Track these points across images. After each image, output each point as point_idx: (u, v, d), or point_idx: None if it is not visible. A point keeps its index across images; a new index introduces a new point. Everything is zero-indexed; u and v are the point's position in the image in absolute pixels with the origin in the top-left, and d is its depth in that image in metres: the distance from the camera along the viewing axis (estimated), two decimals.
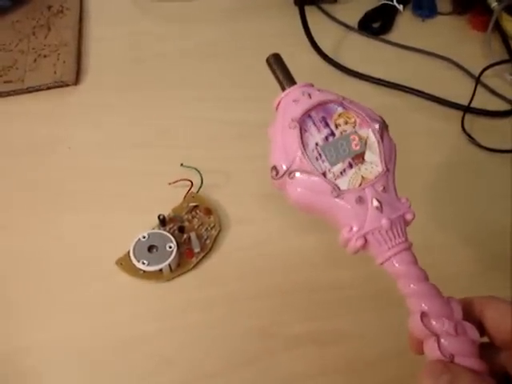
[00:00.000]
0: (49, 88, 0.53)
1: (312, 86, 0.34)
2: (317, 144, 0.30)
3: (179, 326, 0.38)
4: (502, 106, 0.53)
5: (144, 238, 0.41)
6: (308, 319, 0.39)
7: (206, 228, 0.43)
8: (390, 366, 0.37)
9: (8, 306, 0.39)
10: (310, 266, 0.41)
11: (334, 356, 0.37)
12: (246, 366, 0.37)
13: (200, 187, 0.44)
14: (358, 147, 0.31)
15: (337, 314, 0.39)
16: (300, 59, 0.55)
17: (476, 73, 0.55)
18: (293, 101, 0.32)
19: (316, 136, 0.31)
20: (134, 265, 0.40)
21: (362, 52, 0.58)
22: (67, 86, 0.54)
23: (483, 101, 0.53)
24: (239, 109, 0.51)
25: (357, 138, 0.31)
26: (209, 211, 0.43)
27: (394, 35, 0.60)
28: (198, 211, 0.44)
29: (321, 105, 0.32)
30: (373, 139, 0.31)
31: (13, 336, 0.38)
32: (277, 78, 0.35)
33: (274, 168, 0.31)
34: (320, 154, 0.30)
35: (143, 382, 0.36)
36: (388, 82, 0.54)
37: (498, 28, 0.59)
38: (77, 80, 0.54)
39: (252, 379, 0.37)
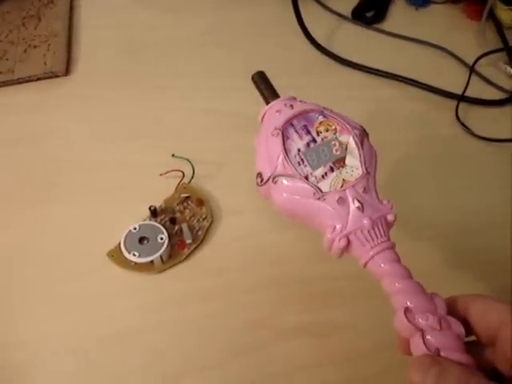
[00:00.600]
0: (39, 79, 0.54)
1: (295, 98, 0.36)
2: (299, 150, 0.32)
3: (172, 318, 0.39)
4: (496, 94, 0.55)
5: (135, 229, 0.42)
6: (302, 311, 0.40)
7: (198, 219, 0.44)
8: (383, 356, 0.38)
9: (0, 300, 0.40)
10: (303, 257, 0.43)
11: (328, 347, 0.39)
12: (240, 358, 0.38)
13: (192, 178, 0.45)
14: (338, 152, 0.32)
15: (331, 306, 0.40)
16: (293, 48, 0.57)
17: (470, 62, 0.56)
18: (276, 111, 0.34)
19: (298, 142, 0.33)
20: (125, 257, 0.41)
21: (355, 41, 0.59)
22: (57, 76, 0.55)
23: (477, 90, 0.54)
24: (233, 99, 0.52)
25: (337, 144, 0.33)
26: (201, 202, 0.44)
27: (387, 24, 0.61)
28: (189, 202, 0.44)
29: (302, 114, 0.34)
30: (353, 145, 0.33)
31: (5, 330, 0.39)
32: (261, 93, 0.38)
33: (259, 175, 0.33)
34: (302, 159, 0.32)
35: (137, 375, 0.37)
36: (382, 72, 0.55)
37: (493, 17, 0.60)
38: (67, 71, 0.55)
39: (246, 371, 0.38)
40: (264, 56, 0.56)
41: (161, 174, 0.45)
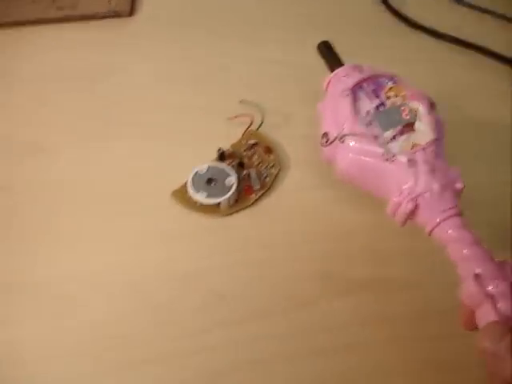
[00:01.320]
0: (102, 17, 0.53)
1: (361, 65, 0.36)
2: (368, 112, 0.33)
3: (235, 263, 0.38)
4: None
5: (203, 170, 0.41)
6: (368, 266, 0.38)
7: (266, 166, 0.43)
8: (451, 319, 0.34)
9: (58, 234, 0.39)
10: (371, 209, 0.40)
11: (394, 304, 0.37)
12: (300, 309, 0.36)
13: (260, 125, 0.44)
14: (408, 117, 0.33)
15: (398, 263, 0.38)
16: (363, 8, 0.57)
17: None
18: (343, 76, 0.35)
19: (367, 105, 0.33)
20: (190, 197, 0.40)
21: (428, 8, 0.58)
22: (121, 16, 0.54)
23: None
24: (300, 52, 0.51)
25: (407, 109, 0.33)
26: (269, 149, 0.44)
27: None
28: (257, 148, 0.44)
29: (372, 78, 0.34)
30: (423, 111, 0.33)
31: (66, 262, 0.38)
32: (327, 61, 0.38)
33: (325, 135, 0.33)
34: (371, 121, 0.32)
35: (195, 317, 0.36)
36: (456, 39, 0.53)
37: None
38: (131, 11, 0.54)
39: (309, 322, 0.36)
40: (332, 14, 0.56)
41: (229, 118, 0.44)
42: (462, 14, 0.57)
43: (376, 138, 0.31)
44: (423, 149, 0.31)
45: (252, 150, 0.43)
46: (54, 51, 0.51)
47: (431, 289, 0.36)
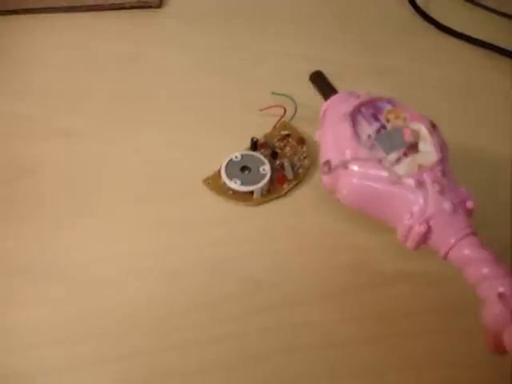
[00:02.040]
0: (131, 7, 0.55)
1: (357, 92, 0.36)
2: (369, 135, 0.32)
3: (268, 251, 0.37)
4: None
5: (236, 158, 0.41)
6: (405, 258, 0.37)
7: (299, 157, 0.43)
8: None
9: (89, 218, 0.38)
10: None
11: (431, 297, 0.36)
12: (334, 298, 0.36)
13: (293, 116, 0.44)
14: (411, 138, 0.32)
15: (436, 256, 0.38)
16: (389, 8, 0.59)
17: None
18: (340, 102, 0.34)
19: (368, 129, 0.32)
20: (223, 184, 0.40)
21: (453, 11, 0.59)
22: (150, 7, 0.55)
23: None
24: (328, 49, 0.53)
25: (409, 130, 0.32)
26: (302, 141, 0.43)
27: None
28: (290, 140, 0.44)
29: (370, 102, 0.34)
30: (425, 131, 0.33)
31: (90, 246, 0.37)
32: (321, 91, 0.39)
33: (327, 163, 0.32)
34: (374, 144, 0.32)
35: (229, 303, 0.35)
36: (483, 42, 0.54)
37: None
38: (161, 2, 0.55)
39: (340, 311, 0.35)
40: (360, 12, 0.58)
41: (261, 109, 0.44)
42: (488, 18, 0.58)
43: (380, 161, 0.31)
44: (430, 169, 0.31)
45: (284, 141, 0.43)
46: (84, 38, 0.52)
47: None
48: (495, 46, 0.54)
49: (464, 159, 0.43)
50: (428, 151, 0.32)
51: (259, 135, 0.43)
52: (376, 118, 0.33)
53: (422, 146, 0.32)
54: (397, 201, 0.30)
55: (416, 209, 0.30)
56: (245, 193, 0.40)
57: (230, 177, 0.40)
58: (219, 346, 0.33)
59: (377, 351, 0.33)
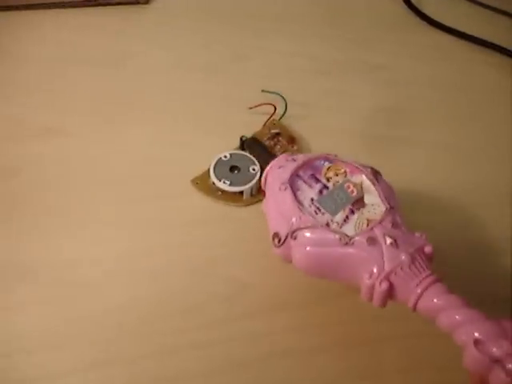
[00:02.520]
0: (119, 3, 0.55)
1: (292, 154, 0.35)
2: (312, 199, 0.31)
3: (257, 252, 0.36)
4: None
5: (225, 157, 0.40)
6: None
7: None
8: None
9: (74, 219, 0.38)
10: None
11: None
12: (324, 301, 0.35)
13: (283, 114, 0.44)
14: (354, 193, 0.31)
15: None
16: (382, 6, 0.60)
17: None
18: (278, 168, 0.33)
19: (309, 192, 0.32)
20: (211, 185, 0.39)
21: (446, 7, 0.60)
22: (138, 3, 0.56)
23: None
24: (318, 44, 0.53)
25: (351, 185, 0.32)
26: (293, 140, 0.43)
27: None
28: (280, 139, 0.43)
29: (306, 163, 0.33)
30: (368, 183, 0.32)
31: (78, 246, 0.36)
32: (257, 157, 0.38)
33: (276, 235, 0.31)
34: (318, 208, 0.31)
35: (218, 307, 0.34)
36: (475, 38, 0.55)
37: None
38: None
39: (328, 315, 0.35)
40: (351, 8, 0.59)
41: (250, 108, 0.44)
42: (480, 14, 0.59)
43: (328, 225, 0.30)
44: (380, 222, 0.30)
45: (275, 140, 0.43)
46: (69, 35, 0.52)
47: None
48: (488, 42, 0.54)
49: (458, 155, 0.44)
50: (374, 203, 0.31)
51: (248, 134, 0.43)
52: (316, 179, 0.32)
53: (367, 199, 0.31)
54: (352, 262, 0.29)
55: (373, 267, 0.28)
56: (234, 193, 0.39)
57: (218, 177, 0.39)
58: (204, 350, 0.32)
59: (364, 355, 0.33)
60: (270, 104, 0.44)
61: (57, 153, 0.42)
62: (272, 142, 0.43)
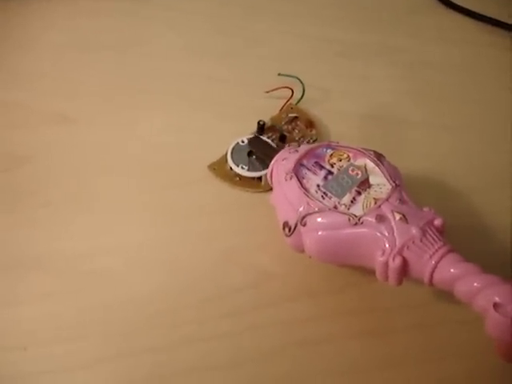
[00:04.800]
0: None
1: (295, 146, 0.36)
2: (318, 185, 0.32)
3: (277, 239, 0.35)
4: None
5: (243, 142, 0.40)
6: None
7: (308, 140, 0.42)
8: None
9: (90, 207, 0.38)
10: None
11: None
12: (344, 290, 0.35)
13: (301, 98, 0.44)
14: (359, 175, 0.32)
15: None
16: None
17: None
18: (282, 160, 0.34)
19: (315, 179, 0.32)
20: (229, 170, 0.39)
21: None
22: None
23: None
24: (335, 27, 0.53)
25: (356, 169, 0.32)
26: (311, 124, 0.42)
27: None
28: (298, 123, 0.43)
29: (309, 153, 0.34)
30: (372, 165, 0.33)
31: (97, 236, 0.36)
32: (264, 154, 0.38)
33: (286, 224, 0.32)
34: (325, 193, 0.31)
35: (240, 295, 0.34)
36: (491, 19, 0.54)
37: None
38: None
39: (350, 303, 0.34)
40: None
41: (267, 91, 0.43)
42: None
43: (335, 207, 0.31)
44: (387, 199, 0.30)
45: (292, 124, 0.43)
46: (81, 20, 0.52)
47: None
48: (505, 24, 0.54)
49: (482, 138, 0.44)
50: (380, 183, 0.32)
51: (265, 118, 0.42)
52: (320, 166, 0.33)
53: (373, 180, 0.32)
54: (364, 241, 0.30)
55: (385, 244, 0.29)
56: (252, 178, 0.39)
57: (236, 162, 0.39)
58: (229, 339, 0.32)
59: (375, 346, 0.33)
60: (288, 87, 0.43)
61: (70, 141, 0.42)
62: (290, 127, 0.43)
